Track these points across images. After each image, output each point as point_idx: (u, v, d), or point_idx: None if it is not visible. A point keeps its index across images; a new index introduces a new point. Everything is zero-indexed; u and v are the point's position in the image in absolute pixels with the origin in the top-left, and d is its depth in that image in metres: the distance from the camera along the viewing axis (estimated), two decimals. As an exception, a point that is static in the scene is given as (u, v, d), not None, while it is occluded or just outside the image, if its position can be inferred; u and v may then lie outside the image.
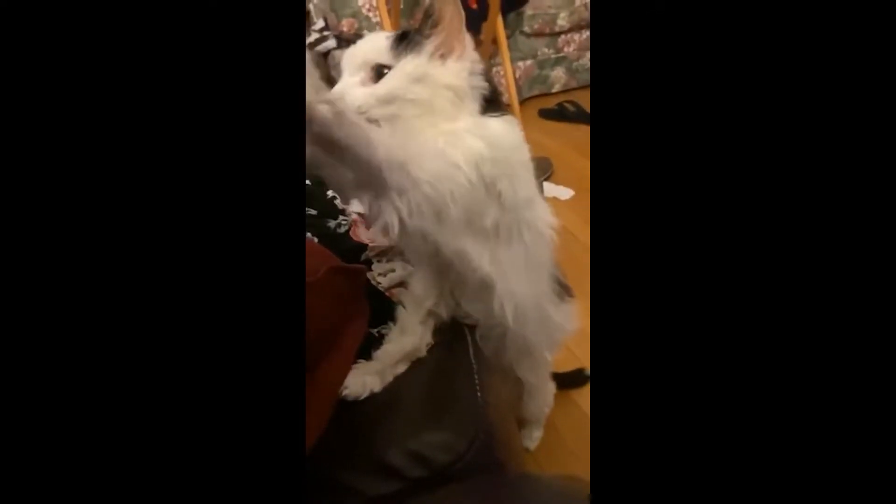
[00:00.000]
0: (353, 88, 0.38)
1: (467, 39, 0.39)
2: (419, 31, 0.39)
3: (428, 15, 0.39)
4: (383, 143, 0.33)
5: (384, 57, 0.38)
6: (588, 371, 0.86)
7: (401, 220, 0.35)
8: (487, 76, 0.41)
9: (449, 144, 0.37)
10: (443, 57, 0.39)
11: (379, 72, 0.38)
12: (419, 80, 0.38)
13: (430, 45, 0.38)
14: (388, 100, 0.38)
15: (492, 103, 0.40)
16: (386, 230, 0.35)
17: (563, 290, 0.52)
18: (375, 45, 0.39)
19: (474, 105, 0.39)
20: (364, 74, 0.39)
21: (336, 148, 0.32)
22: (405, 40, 0.38)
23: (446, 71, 0.39)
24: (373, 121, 0.36)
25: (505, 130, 0.40)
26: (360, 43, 0.40)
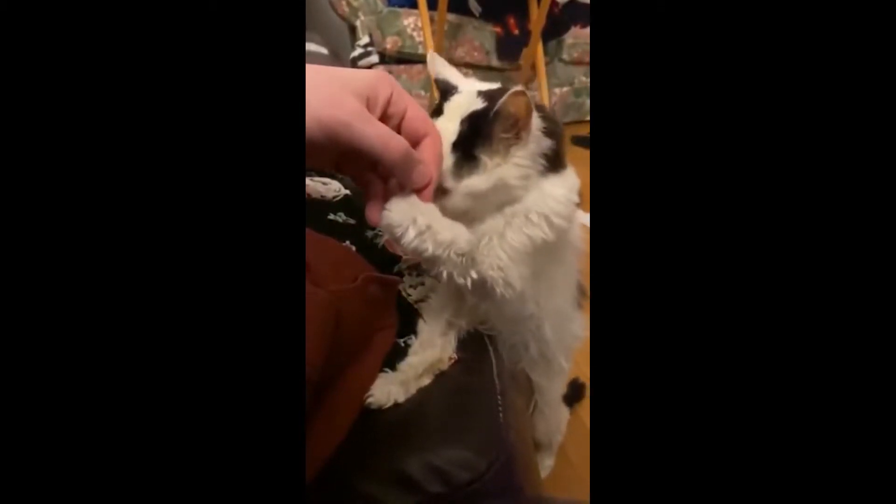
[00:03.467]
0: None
1: (533, 120, 0.38)
2: (489, 137, 0.38)
3: (504, 119, 0.37)
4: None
5: (448, 182, 0.39)
6: (581, 379, 0.90)
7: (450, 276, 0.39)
8: (550, 129, 0.40)
9: (515, 231, 0.40)
10: (509, 148, 0.38)
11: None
12: (480, 197, 0.39)
13: (497, 148, 0.38)
14: (464, 211, 0.40)
15: (554, 160, 0.41)
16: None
17: (582, 297, 0.53)
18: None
19: (538, 175, 0.40)
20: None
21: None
22: (466, 162, 0.38)
23: (512, 167, 0.39)
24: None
25: (563, 192, 0.41)
26: None
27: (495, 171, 0.39)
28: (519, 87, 0.36)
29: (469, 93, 0.41)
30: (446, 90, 0.42)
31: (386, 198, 0.37)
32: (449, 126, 0.39)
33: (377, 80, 0.34)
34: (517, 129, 0.38)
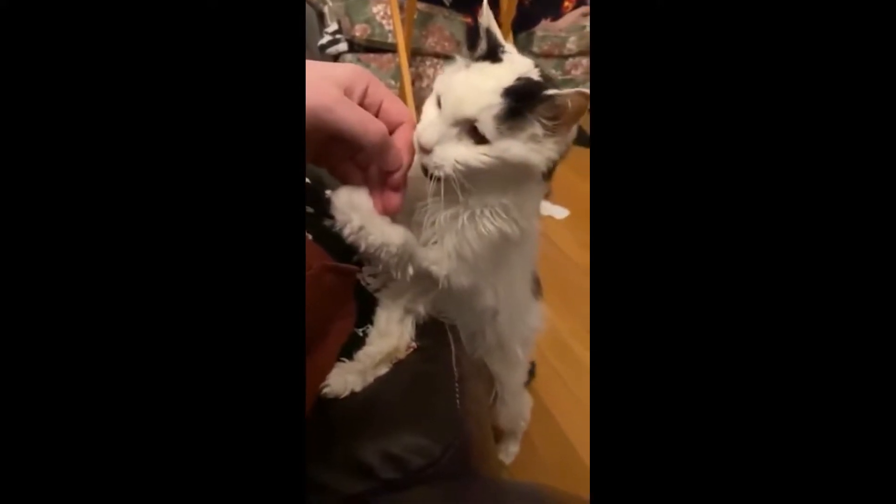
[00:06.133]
0: (447, 146, 0.37)
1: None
2: (533, 109, 0.36)
3: (555, 106, 0.36)
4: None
5: (487, 127, 0.36)
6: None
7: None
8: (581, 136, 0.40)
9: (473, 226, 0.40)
10: (544, 139, 0.37)
11: (474, 129, 0.37)
12: (512, 163, 0.37)
13: (538, 129, 0.37)
14: (474, 173, 0.37)
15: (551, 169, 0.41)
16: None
17: (538, 288, 0.55)
18: (484, 103, 0.36)
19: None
20: (460, 129, 0.37)
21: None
22: (513, 117, 0.36)
23: (536, 154, 0.37)
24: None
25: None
26: (464, 89, 0.37)
27: (534, 147, 0.37)
28: (585, 90, 0.34)
29: (526, 61, 0.40)
30: (495, 45, 0.40)
31: (366, 186, 0.40)
32: (507, 74, 0.37)
33: (354, 72, 0.36)
34: (561, 122, 0.37)
